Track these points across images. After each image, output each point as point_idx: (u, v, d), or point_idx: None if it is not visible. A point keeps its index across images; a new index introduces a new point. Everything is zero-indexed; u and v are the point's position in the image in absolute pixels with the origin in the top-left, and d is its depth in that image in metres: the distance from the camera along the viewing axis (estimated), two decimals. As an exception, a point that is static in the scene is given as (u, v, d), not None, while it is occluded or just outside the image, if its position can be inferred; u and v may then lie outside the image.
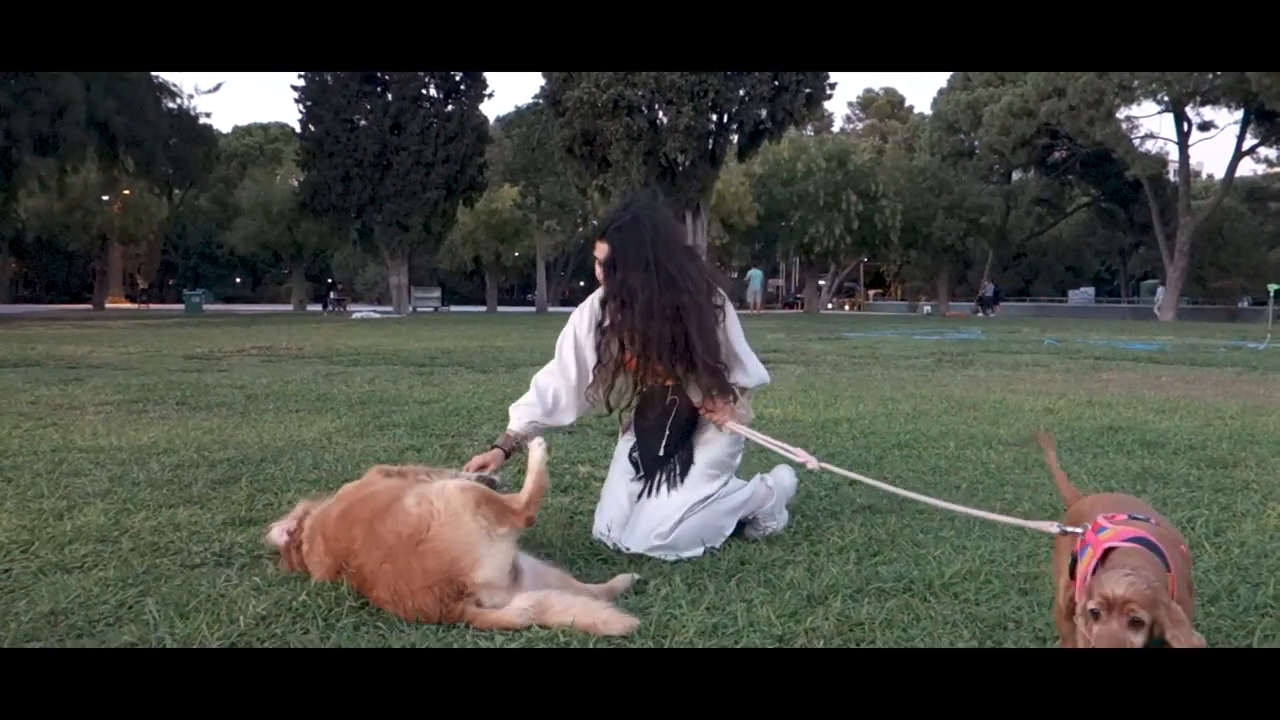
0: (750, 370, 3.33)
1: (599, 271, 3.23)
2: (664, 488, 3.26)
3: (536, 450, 2.70)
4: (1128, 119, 42.21)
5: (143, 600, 2.59)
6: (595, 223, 3.33)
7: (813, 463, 3.17)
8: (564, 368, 3.32)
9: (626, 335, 3.16)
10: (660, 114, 31.61)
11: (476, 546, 2.44)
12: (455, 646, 2.07)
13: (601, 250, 3.19)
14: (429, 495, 2.53)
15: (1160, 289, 46.72)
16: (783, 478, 3.55)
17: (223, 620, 2.43)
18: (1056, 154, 47.59)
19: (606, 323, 3.20)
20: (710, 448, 3.33)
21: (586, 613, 2.39)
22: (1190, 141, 41.19)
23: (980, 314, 44.38)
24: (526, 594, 2.45)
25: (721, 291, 3.27)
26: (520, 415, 3.33)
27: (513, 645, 2.30)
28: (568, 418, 3.37)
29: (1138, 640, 1.80)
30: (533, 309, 49.58)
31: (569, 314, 3.42)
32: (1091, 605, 1.85)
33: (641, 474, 3.34)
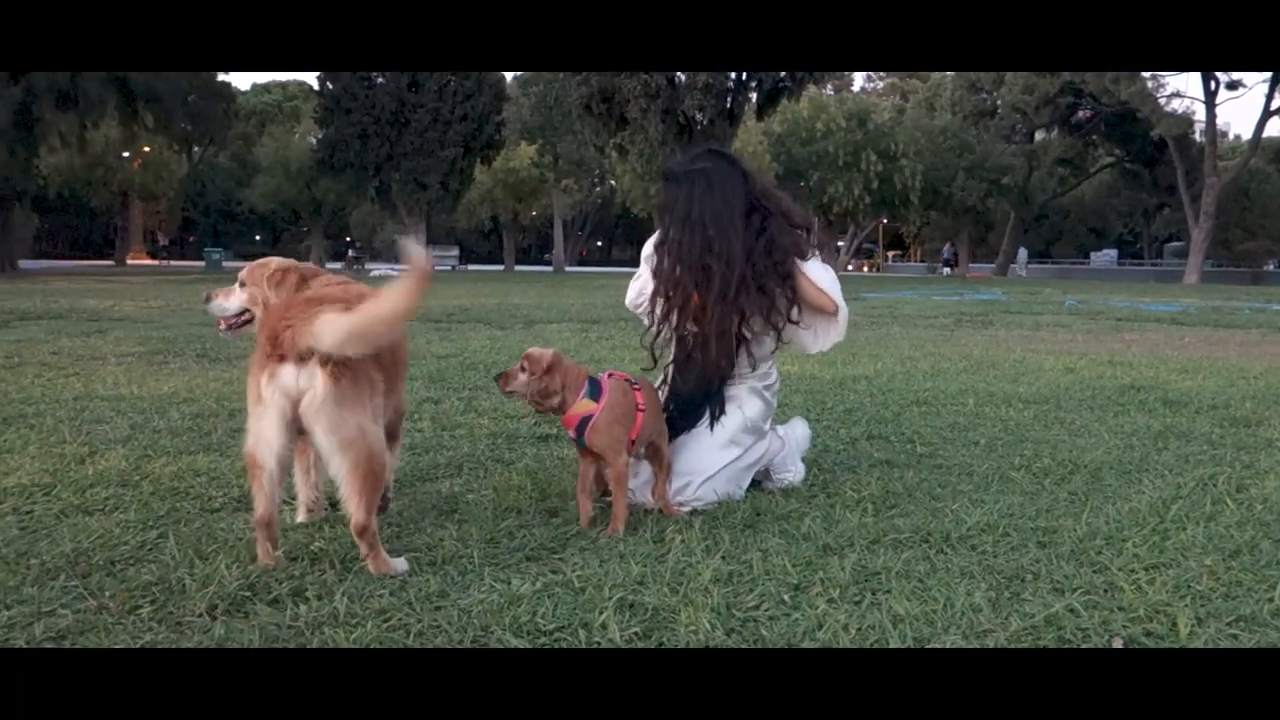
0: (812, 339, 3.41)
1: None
2: (695, 431, 3.27)
3: None
4: (1154, 77, 41.50)
5: (163, 541, 2.61)
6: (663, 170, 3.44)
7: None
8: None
9: (664, 281, 3.21)
10: (678, 71, 31.23)
11: None
12: (457, 647, 2.06)
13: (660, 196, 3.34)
14: None
15: (1022, 250, 48.26)
16: (796, 428, 3.54)
17: (241, 561, 2.45)
18: (1080, 113, 46.82)
19: (654, 266, 3.28)
20: (748, 406, 3.32)
21: None
22: (1217, 100, 40.55)
23: (945, 272, 50.40)
24: None
25: (808, 251, 3.43)
26: None
27: (520, 645, 2.30)
28: None
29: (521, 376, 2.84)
30: (550, 268, 49.47)
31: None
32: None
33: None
